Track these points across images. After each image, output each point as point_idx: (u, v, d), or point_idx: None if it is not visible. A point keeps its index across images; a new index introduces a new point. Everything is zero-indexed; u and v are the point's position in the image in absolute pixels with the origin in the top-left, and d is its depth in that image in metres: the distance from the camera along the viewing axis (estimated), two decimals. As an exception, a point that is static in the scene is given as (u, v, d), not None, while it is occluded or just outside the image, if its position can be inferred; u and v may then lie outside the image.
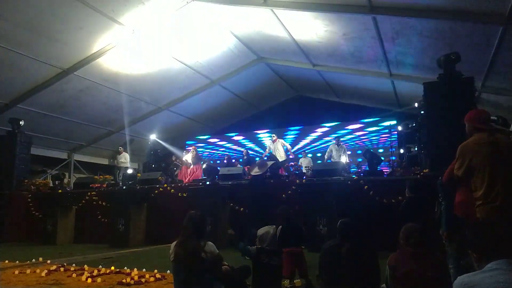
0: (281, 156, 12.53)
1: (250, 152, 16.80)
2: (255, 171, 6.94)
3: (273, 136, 13.19)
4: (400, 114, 14.78)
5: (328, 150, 12.74)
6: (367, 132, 16.20)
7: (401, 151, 11.58)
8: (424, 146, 8.22)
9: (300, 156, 14.49)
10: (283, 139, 13.76)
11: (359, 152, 15.09)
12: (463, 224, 3.44)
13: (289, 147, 13.15)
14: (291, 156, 13.26)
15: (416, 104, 10.31)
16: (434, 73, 8.27)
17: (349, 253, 3.20)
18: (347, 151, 12.99)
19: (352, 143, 16.14)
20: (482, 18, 7.41)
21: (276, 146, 12.80)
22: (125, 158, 13.91)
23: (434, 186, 4.86)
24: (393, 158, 13.35)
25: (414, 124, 9.95)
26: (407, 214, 5.64)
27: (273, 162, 9.71)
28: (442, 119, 7.27)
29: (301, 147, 16.87)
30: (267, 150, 13.13)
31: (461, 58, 7.50)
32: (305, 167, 10.98)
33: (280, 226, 4.85)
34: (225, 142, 19.11)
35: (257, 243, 4.10)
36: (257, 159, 13.02)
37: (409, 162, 9.66)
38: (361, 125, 16.28)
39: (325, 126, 16.91)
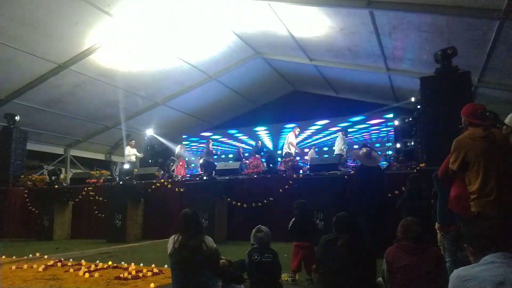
0: (288, 148, 12.52)
1: (245, 146, 16.84)
2: (370, 162, 6.45)
3: (296, 129, 13.09)
4: (397, 108, 14.79)
5: (337, 142, 12.76)
6: (364, 126, 16.18)
7: (398, 145, 11.63)
8: (421, 140, 8.25)
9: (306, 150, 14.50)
10: (281, 134, 13.64)
11: (356, 147, 15.12)
12: (457, 217, 3.46)
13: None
14: (297, 151, 13.09)
15: (413, 99, 10.35)
16: (431, 67, 8.27)
17: (345, 247, 3.21)
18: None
19: (358, 135, 16.08)
20: (479, 13, 7.41)
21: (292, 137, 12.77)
22: (134, 151, 13.91)
23: (431, 180, 4.89)
24: (390, 152, 13.40)
25: (410, 119, 9.99)
26: (403, 208, 5.67)
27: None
28: (439, 113, 7.27)
29: (300, 141, 16.85)
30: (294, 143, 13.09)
31: (458, 52, 7.51)
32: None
33: (293, 219, 4.92)
34: (220, 136, 19.05)
35: (251, 241, 4.13)
36: (262, 153, 12.98)
37: (405, 156, 9.70)
38: (361, 119, 16.25)
39: (317, 125, 16.92)
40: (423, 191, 5.77)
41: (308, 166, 9.68)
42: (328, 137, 16.27)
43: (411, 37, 9.43)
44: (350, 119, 16.17)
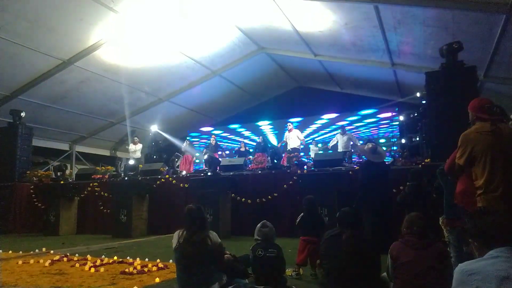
0: (292, 145, 12.50)
1: (248, 142, 16.81)
2: (375, 157, 6.36)
3: (289, 125, 13.02)
4: (402, 104, 14.72)
5: (334, 139, 12.75)
6: (368, 122, 16.12)
7: (403, 141, 11.57)
8: (426, 135, 8.21)
9: (310, 145, 14.44)
10: (285, 129, 13.52)
11: (361, 142, 15.05)
12: (463, 212, 3.45)
13: (301, 137, 12.90)
14: (301, 147, 13.02)
15: (418, 94, 10.29)
16: (436, 62, 8.23)
17: (349, 242, 3.21)
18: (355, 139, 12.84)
19: (367, 130, 16.03)
20: (485, 7, 7.33)
21: (290, 135, 12.74)
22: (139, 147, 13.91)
23: (434, 174, 4.87)
24: (395, 148, 13.34)
25: (416, 114, 9.92)
26: (404, 203, 5.65)
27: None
28: (444, 108, 7.24)
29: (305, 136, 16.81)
30: (284, 139, 13.03)
31: (463, 47, 7.45)
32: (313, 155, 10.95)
33: (302, 214, 4.96)
34: (222, 132, 19.04)
35: (255, 236, 4.14)
36: (266, 150, 12.95)
37: (410, 152, 9.65)
38: (363, 115, 16.17)
39: (323, 119, 16.86)
40: (425, 185, 5.75)
41: (312, 162, 9.68)
42: (335, 132, 16.18)
43: (416, 31, 9.36)
44: (360, 112, 16.07)
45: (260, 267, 3.89)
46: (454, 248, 4.23)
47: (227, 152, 16.40)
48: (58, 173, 12.06)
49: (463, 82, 7.29)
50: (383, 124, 15.78)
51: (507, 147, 3.06)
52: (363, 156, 7.68)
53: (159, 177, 10.34)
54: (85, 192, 10.89)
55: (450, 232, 4.35)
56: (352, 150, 12.17)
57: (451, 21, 8.25)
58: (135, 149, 13.75)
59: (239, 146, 14.33)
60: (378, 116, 15.85)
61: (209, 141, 14.38)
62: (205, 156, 11.91)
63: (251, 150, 14.11)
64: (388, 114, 15.61)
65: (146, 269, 5.19)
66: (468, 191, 3.22)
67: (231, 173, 9.53)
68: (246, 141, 16.86)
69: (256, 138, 16.02)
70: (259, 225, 4.17)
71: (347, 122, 15.68)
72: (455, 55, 7.48)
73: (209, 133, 18.14)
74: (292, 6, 9.79)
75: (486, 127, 3.13)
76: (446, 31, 8.65)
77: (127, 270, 5.13)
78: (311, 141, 14.87)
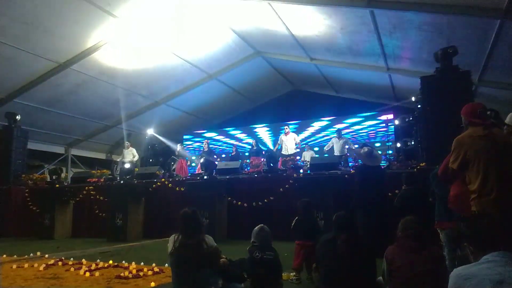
0: (288, 149, 12.49)
1: (243, 144, 16.78)
2: (371, 161, 6.37)
3: (286, 129, 13.02)
4: (397, 108, 14.78)
5: (329, 143, 12.76)
6: (364, 126, 16.13)
7: (398, 145, 11.61)
8: (421, 139, 8.24)
9: (304, 149, 14.45)
10: (281, 132, 13.48)
11: (357, 146, 15.06)
12: (457, 216, 3.47)
13: (298, 140, 12.92)
14: (297, 150, 13.07)
15: (413, 98, 10.33)
16: (431, 67, 8.28)
17: (345, 246, 3.22)
18: (350, 143, 12.85)
19: (359, 135, 15.99)
20: (479, 12, 7.41)
21: (287, 138, 12.74)
22: (133, 153, 13.74)
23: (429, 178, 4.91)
24: (390, 152, 13.39)
25: (411, 118, 9.97)
26: (402, 206, 5.68)
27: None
28: (439, 112, 7.28)
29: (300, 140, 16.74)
30: (278, 142, 13.01)
31: (458, 51, 7.51)
32: (307, 161, 10.96)
33: (296, 217, 4.95)
34: (217, 134, 19.01)
35: (252, 239, 4.13)
36: (262, 153, 12.96)
37: (405, 155, 9.69)
38: (359, 119, 16.19)
39: (323, 121, 16.86)
40: (420, 189, 5.78)
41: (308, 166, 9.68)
42: (324, 138, 16.14)
43: (411, 36, 9.43)
44: (360, 114, 16.06)
45: (257, 270, 3.88)
46: (446, 251, 4.26)
47: (223, 155, 16.41)
48: (54, 177, 11.98)
49: (458, 86, 7.34)
50: (379, 128, 15.79)
51: (500, 152, 3.09)
52: (359, 160, 7.70)
53: (155, 180, 10.31)
54: (81, 195, 10.84)
55: (441, 234, 4.40)
56: (348, 154, 12.19)
57: (446, 26, 8.32)
58: (126, 153, 13.65)
59: (231, 151, 14.29)
60: (378, 118, 15.82)
61: (202, 146, 14.35)
62: (202, 160, 11.89)
63: (246, 154, 14.07)
64: (384, 118, 15.64)
65: (141, 273, 5.17)
66: (462, 195, 3.24)
67: (227, 177, 9.53)
68: (238, 143, 16.85)
69: (250, 140, 15.97)
70: (256, 229, 4.16)
71: (345, 125, 15.66)
72: (450, 60, 7.54)
73: (202, 135, 18.14)
74: (288, 11, 9.83)
75: (479, 132, 3.15)
76: (441, 36, 8.71)
77: (122, 274, 5.12)
78: (304, 146, 14.86)
